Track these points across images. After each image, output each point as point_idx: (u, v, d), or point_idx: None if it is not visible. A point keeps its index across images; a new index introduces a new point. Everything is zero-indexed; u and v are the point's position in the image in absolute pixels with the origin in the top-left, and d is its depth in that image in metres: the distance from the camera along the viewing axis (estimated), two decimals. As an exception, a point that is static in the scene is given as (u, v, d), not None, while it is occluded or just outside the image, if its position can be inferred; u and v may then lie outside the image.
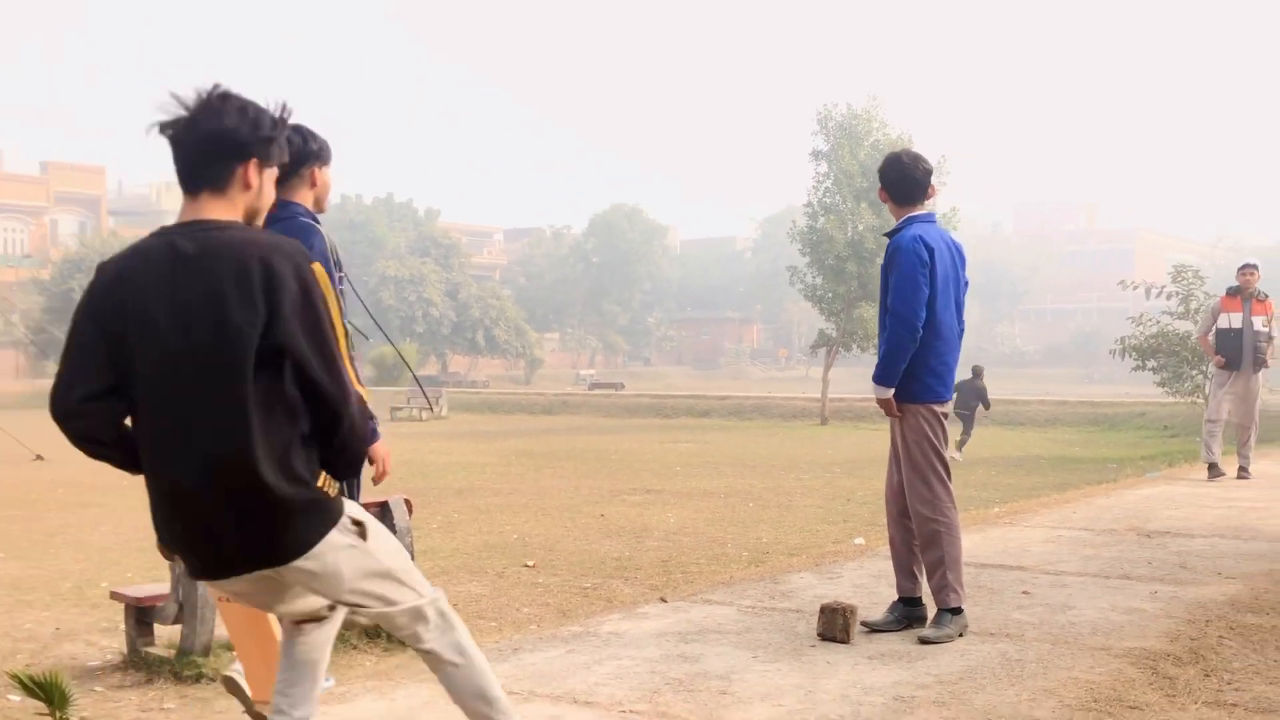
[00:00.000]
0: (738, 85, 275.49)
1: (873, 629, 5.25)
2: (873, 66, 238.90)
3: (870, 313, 28.72)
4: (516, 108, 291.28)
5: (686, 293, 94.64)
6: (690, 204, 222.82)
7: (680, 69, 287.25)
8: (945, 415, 5.32)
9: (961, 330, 5.35)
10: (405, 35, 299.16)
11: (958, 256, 5.28)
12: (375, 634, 5.51)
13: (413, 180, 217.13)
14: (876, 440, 22.62)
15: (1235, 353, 11.65)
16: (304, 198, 4.28)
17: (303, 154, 4.18)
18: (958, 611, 5.16)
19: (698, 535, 9.67)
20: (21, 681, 3.83)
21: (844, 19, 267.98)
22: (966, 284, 5.37)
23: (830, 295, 29.61)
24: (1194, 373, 19.78)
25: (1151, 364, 20.35)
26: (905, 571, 5.39)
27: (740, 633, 5.29)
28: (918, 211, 5.28)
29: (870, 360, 40.20)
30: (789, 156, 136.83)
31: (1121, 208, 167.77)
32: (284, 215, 4.09)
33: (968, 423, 18.38)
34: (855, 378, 60.77)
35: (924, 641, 5.07)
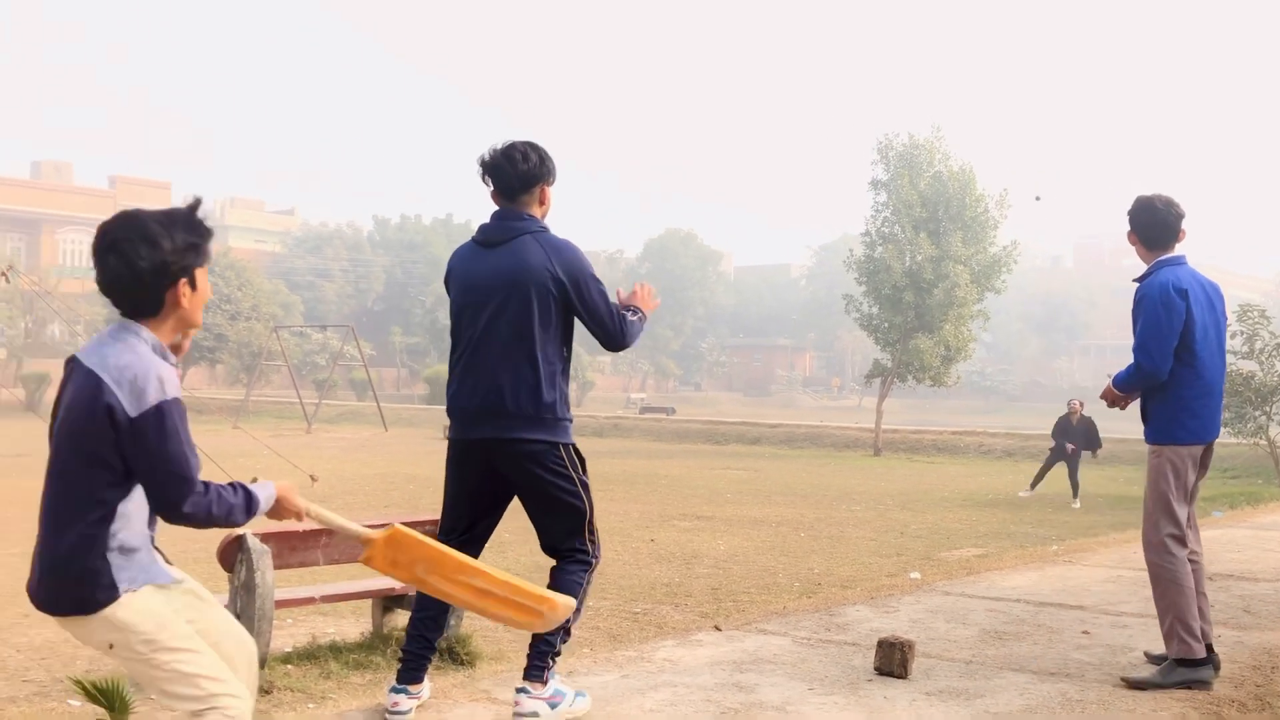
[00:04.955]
0: (796, 113, 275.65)
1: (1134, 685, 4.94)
2: (933, 96, 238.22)
3: (926, 344, 28.46)
4: (575, 132, 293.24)
5: (740, 319, 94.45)
6: (745, 230, 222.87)
7: (740, 96, 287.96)
8: (1200, 455, 5.13)
9: (1223, 369, 5.23)
10: (460, 58, 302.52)
11: (1214, 295, 5.18)
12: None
13: (471, 201, 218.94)
14: (931, 473, 22.40)
15: None
16: (535, 212, 4.31)
17: (540, 172, 4.24)
18: (1189, 664, 4.89)
19: (748, 564, 9.61)
20: (84, 688, 3.87)
21: (905, 47, 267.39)
22: (1225, 321, 5.28)
23: (886, 325, 29.37)
24: (1257, 414, 19.42)
25: (1214, 404, 19.99)
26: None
27: (795, 664, 5.24)
28: (1168, 255, 5.16)
29: (927, 391, 39.68)
30: (846, 185, 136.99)
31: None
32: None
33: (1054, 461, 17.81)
34: (909, 409, 60.28)
35: (1131, 685, 4.90)
